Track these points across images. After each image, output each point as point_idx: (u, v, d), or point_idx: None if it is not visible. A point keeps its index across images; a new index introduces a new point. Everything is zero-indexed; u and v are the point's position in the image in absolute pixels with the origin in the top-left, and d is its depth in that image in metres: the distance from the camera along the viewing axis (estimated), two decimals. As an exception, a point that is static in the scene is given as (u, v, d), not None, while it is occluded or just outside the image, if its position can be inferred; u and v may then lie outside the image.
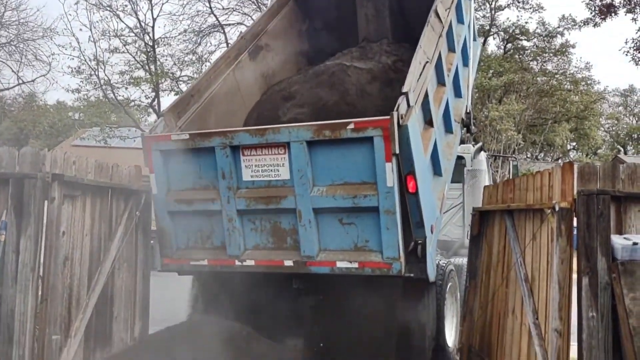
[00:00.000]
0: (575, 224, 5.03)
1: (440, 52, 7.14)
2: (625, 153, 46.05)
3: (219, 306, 6.85)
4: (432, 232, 6.64)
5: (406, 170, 5.89)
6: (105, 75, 23.40)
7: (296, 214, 6.20)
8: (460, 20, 8.64)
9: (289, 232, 6.41)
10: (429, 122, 6.64)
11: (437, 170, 6.82)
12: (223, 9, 26.43)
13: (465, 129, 8.68)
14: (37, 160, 5.13)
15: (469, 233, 7.81)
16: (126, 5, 23.47)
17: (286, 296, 6.51)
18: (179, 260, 6.79)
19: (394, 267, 6.01)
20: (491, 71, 29.74)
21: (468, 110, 8.63)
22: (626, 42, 21.51)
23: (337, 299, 6.56)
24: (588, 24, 23.35)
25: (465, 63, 8.88)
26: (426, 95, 6.49)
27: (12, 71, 24.95)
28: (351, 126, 5.76)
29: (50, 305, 5.12)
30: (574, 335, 4.96)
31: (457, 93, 8.27)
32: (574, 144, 40.26)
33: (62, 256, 5.27)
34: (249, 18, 25.16)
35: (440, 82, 7.33)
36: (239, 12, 26.65)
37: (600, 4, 21.16)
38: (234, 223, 6.46)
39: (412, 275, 6.16)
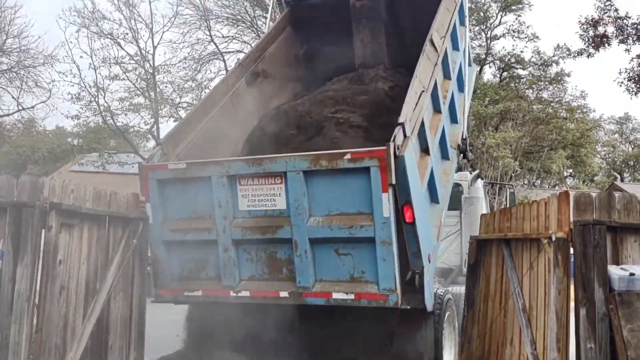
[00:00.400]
0: (572, 252, 5.06)
1: (436, 80, 7.21)
2: (622, 180, 46.22)
3: (213, 334, 6.78)
4: (429, 262, 6.62)
5: (403, 201, 5.89)
6: (105, 101, 23.52)
7: (292, 244, 6.18)
8: (455, 47, 8.75)
9: (284, 262, 6.38)
10: (425, 150, 6.67)
11: (434, 197, 6.84)
12: (223, 37, 26.70)
13: (461, 155, 8.71)
14: (36, 189, 5.14)
15: (466, 261, 7.80)
16: (127, 34, 23.71)
17: (281, 325, 6.45)
18: (174, 290, 6.74)
19: (391, 299, 5.98)
20: (487, 99, 30.01)
21: (464, 136, 8.67)
22: (620, 73, 21.75)
23: (334, 327, 6.52)
24: (582, 55, 23.69)
25: (461, 89, 8.95)
26: (422, 124, 6.54)
27: (13, 97, 25.09)
28: (348, 156, 5.78)
29: (45, 335, 5.07)
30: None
31: (453, 119, 8.32)
32: (571, 170, 40.44)
33: (59, 285, 5.24)
34: (248, 45, 25.43)
35: (437, 109, 7.38)
36: (238, 40, 26.98)
37: (593, 34, 21.46)
38: (230, 253, 6.43)
39: (408, 307, 6.12)
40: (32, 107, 25.89)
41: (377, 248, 5.91)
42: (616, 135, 51.47)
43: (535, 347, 5.39)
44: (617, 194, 5.15)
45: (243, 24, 26.39)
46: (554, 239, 5.04)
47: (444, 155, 7.66)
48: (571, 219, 5.08)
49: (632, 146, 51.62)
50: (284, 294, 6.34)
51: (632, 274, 4.75)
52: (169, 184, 6.51)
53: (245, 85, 8.29)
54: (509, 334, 6.05)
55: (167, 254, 6.73)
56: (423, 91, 6.66)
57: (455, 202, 10.42)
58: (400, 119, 5.95)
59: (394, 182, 5.68)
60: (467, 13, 10.00)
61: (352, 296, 6.10)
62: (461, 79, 8.96)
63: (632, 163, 50.06)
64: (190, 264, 6.77)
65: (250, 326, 6.51)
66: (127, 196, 6.46)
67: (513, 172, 26.02)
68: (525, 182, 33.08)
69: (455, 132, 8.29)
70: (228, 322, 6.58)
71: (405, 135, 5.91)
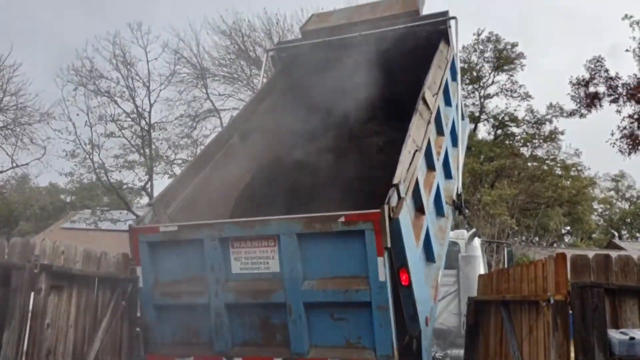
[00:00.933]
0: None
1: (429, 138, 7.22)
2: (620, 237, 46.10)
3: None
4: (427, 325, 6.48)
5: (398, 264, 5.81)
6: (100, 158, 23.61)
7: (286, 309, 6.05)
8: (447, 103, 8.83)
9: (278, 327, 6.23)
10: (420, 209, 6.64)
11: (430, 257, 6.76)
12: (219, 94, 27.08)
13: (457, 211, 8.66)
14: (27, 250, 5.06)
15: (465, 322, 7.67)
16: (124, 92, 24.07)
17: None
18: (164, 356, 6.55)
19: None
20: (482, 156, 30.28)
21: (459, 192, 8.64)
22: (612, 134, 22.09)
23: None
24: (574, 115, 24.13)
25: (455, 144, 8.97)
26: (417, 183, 6.53)
27: (7, 154, 25.17)
28: (342, 219, 5.72)
29: (30, 403, 4.90)
30: None
31: (448, 175, 8.29)
32: (568, 228, 40.38)
33: (45, 349, 5.09)
34: (244, 102, 25.84)
35: (430, 167, 7.38)
36: (234, 97, 27.34)
37: (584, 94, 21.93)
38: (222, 318, 6.28)
39: None
40: (27, 164, 25.93)
41: (373, 313, 5.78)
42: (612, 193, 51.69)
43: (538, 413, 5.23)
44: (614, 256, 5.11)
45: (239, 82, 26.84)
46: (552, 301, 4.97)
47: (439, 213, 7.63)
48: (569, 281, 5.03)
49: (629, 203, 51.80)
50: None
51: (632, 338, 4.66)
52: (160, 247, 6.40)
53: (238, 141, 8.30)
54: (510, 400, 5.87)
55: (158, 318, 6.57)
56: (417, 150, 6.69)
57: (453, 261, 10.33)
58: (395, 180, 5.93)
59: (389, 245, 5.59)
60: (458, 69, 10.16)
61: None
62: (454, 133, 9.00)
63: (629, 220, 50.08)
64: (181, 329, 6.59)
65: None
66: (117, 256, 6.39)
67: (510, 230, 25.96)
68: (523, 240, 32.96)
69: (449, 187, 8.28)
70: None
71: (399, 197, 5.87)
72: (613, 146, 22.08)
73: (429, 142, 7.18)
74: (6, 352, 4.76)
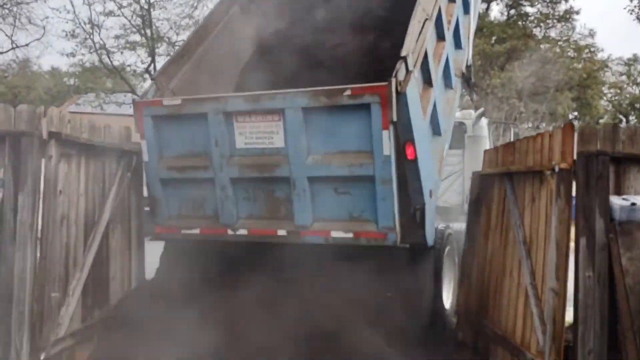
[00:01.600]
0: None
1: (440, 6, 6.90)
2: (627, 122, 45.80)
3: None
4: (430, 197, 6.60)
5: (405, 138, 5.80)
6: (101, 39, 23.04)
7: (290, 183, 6.14)
8: None
9: (282, 201, 6.35)
10: (428, 81, 6.50)
11: (436, 130, 6.74)
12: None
13: (465, 83, 8.50)
14: (34, 118, 5.08)
15: (468, 198, 7.80)
16: (122, -34, 22.96)
17: (280, 261, 6.45)
18: (171, 229, 6.75)
19: (390, 238, 5.98)
20: (494, 37, 29.35)
21: (469, 63, 8.41)
22: (631, 0, 21.06)
23: (332, 261, 6.55)
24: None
25: (466, 10, 8.54)
26: (426, 54, 6.35)
27: (6, 35, 24.57)
28: (348, 92, 5.64)
29: (49, 264, 5.13)
30: (569, 297, 4.99)
31: (458, 44, 8.00)
32: (576, 113, 40.01)
33: (60, 215, 5.26)
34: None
35: (440, 37, 7.12)
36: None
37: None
38: (227, 192, 6.39)
39: (407, 246, 6.14)
40: (27, 44, 25.38)
41: (376, 187, 5.86)
42: (623, 77, 50.62)
43: (534, 277, 5.44)
44: (622, 126, 5.07)
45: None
46: (557, 170, 5.01)
47: (448, 85, 7.48)
48: (575, 151, 5.04)
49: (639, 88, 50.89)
50: (282, 232, 6.33)
51: (633, 204, 4.74)
52: (164, 121, 6.41)
53: (239, 11, 7.99)
54: (509, 266, 6.10)
55: (164, 192, 6.70)
56: (427, 19, 6.44)
57: (459, 141, 10.34)
58: (403, 52, 5.77)
59: (395, 119, 5.56)
60: None
61: (350, 235, 6.09)
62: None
63: (638, 105, 49.47)
64: (187, 203, 6.74)
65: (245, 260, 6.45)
66: (119, 129, 6.41)
67: (518, 114, 25.79)
68: (530, 125, 32.81)
69: (459, 58, 8.05)
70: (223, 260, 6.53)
71: (407, 70, 5.75)
72: (631, 13, 21.09)
73: (439, 11, 6.88)
74: (22, 217, 4.91)
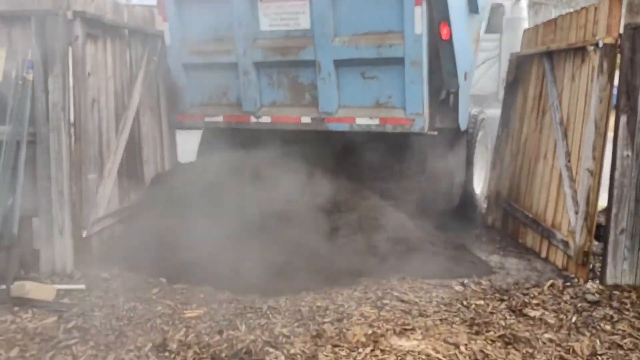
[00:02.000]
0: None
1: None
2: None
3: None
4: (465, 80, 6.40)
5: (440, 17, 5.53)
6: None
7: (315, 67, 5.98)
8: None
9: (307, 87, 6.22)
10: None
11: (473, 7, 6.39)
12: None
13: None
14: (57, -4, 4.95)
15: (504, 82, 7.55)
16: None
17: (314, 141, 6.43)
18: (193, 116, 6.74)
19: (417, 124, 5.86)
20: None
21: None
22: None
23: (364, 143, 6.50)
24: None
25: None
26: None
27: None
28: None
29: (84, 146, 5.21)
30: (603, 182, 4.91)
31: None
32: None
33: (90, 97, 5.27)
34: None
35: None
36: None
37: None
38: (250, 77, 6.28)
39: (435, 133, 6.02)
40: None
41: (405, 69, 5.67)
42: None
43: (570, 159, 5.34)
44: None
45: None
46: (600, 45, 4.74)
47: None
48: (622, 24, 4.74)
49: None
50: (306, 119, 6.26)
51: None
52: (187, 2, 6.23)
53: None
54: (543, 149, 5.98)
55: (186, 78, 6.62)
56: None
57: (496, 25, 9.85)
58: None
59: None
60: None
61: (376, 121, 5.99)
62: None
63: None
64: (210, 89, 6.67)
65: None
66: (142, 10, 6.25)
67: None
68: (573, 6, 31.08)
69: None
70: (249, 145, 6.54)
71: None
72: None
73: None
74: (54, 98, 4.94)
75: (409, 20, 5.44)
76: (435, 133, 6.07)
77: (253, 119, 6.44)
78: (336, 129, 6.18)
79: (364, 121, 6.02)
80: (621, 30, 4.72)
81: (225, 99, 6.63)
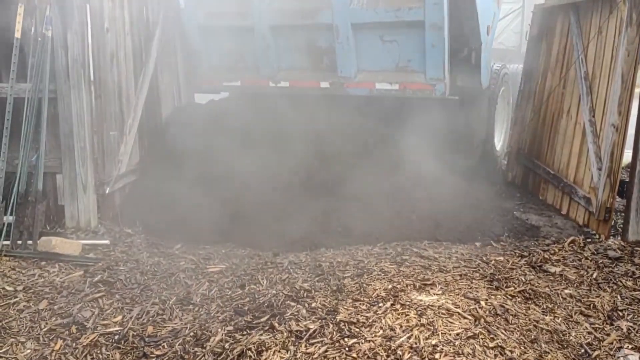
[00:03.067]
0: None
1: None
2: None
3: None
4: (487, 35, 6.26)
5: None
6: None
7: (333, 31, 5.86)
8: None
9: (325, 51, 6.12)
10: None
11: None
12: None
13: None
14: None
15: (527, 35, 7.36)
16: None
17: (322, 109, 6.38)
18: (211, 81, 6.70)
19: (438, 89, 5.77)
20: None
21: None
22: None
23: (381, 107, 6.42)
24: None
25: None
26: None
27: None
28: None
29: (104, 103, 5.22)
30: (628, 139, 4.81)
31: None
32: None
33: (109, 53, 5.25)
34: None
35: None
36: None
37: None
38: (267, 41, 6.18)
39: (456, 98, 5.92)
40: None
41: (426, 33, 5.54)
42: None
43: (594, 114, 5.23)
44: None
45: None
46: (630, -5, 4.59)
47: None
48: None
49: None
50: (324, 84, 6.19)
51: None
52: None
53: None
54: (567, 104, 5.87)
55: (203, 42, 6.55)
56: None
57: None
58: None
59: None
60: None
61: (396, 86, 5.91)
62: None
63: None
64: (227, 53, 6.60)
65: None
66: None
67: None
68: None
69: None
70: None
71: None
72: None
73: None
74: (73, 54, 4.92)
75: None
76: (457, 98, 5.99)
77: (271, 84, 6.39)
78: (356, 94, 6.13)
79: (384, 86, 5.95)
80: (652, -20, 4.55)
81: (242, 63, 6.57)
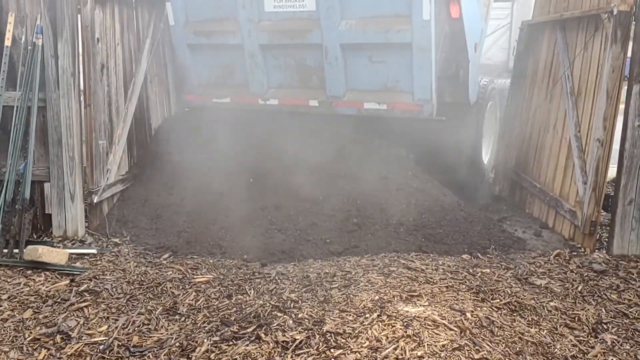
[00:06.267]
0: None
1: None
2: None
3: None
4: (475, 51, 6.34)
5: None
6: None
7: (322, 50, 5.91)
8: None
9: (314, 70, 6.16)
10: None
11: None
12: None
13: None
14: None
15: (514, 50, 7.46)
16: None
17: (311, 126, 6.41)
18: (201, 96, 6.72)
19: (425, 109, 5.83)
20: None
21: None
22: None
23: (367, 124, 6.44)
24: None
25: None
26: None
27: None
28: None
29: (94, 112, 5.22)
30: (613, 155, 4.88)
31: None
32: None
33: (99, 63, 5.26)
34: None
35: None
36: None
37: None
38: (256, 59, 6.22)
39: (443, 118, 5.98)
40: None
41: (413, 54, 5.60)
42: None
43: (580, 129, 5.31)
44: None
45: None
46: (615, 12, 4.67)
47: None
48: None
49: None
50: (313, 102, 6.23)
51: (696, 49, 4.44)
52: None
53: None
54: (553, 119, 5.94)
55: (193, 59, 6.59)
56: None
57: (508, -8, 9.72)
58: None
59: None
60: None
61: (384, 106, 5.96)
62: None
63: None
64: (217, 70, 6.64)
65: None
66: None
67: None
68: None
69: None
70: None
71: None
72: None
73: None
74: (63, 63, 4.93)
75: (417, 6, 5.35)
76: (444, 118, 6.05)
77: (261, 101, 6.43)
78: (344, 113, 6.17)
79: (372, 106, 6.01)
80: (637, -2, 4.64)
81: (232, 80, 6.61)
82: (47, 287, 4.13)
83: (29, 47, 4.88)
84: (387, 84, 5.93)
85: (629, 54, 4.75)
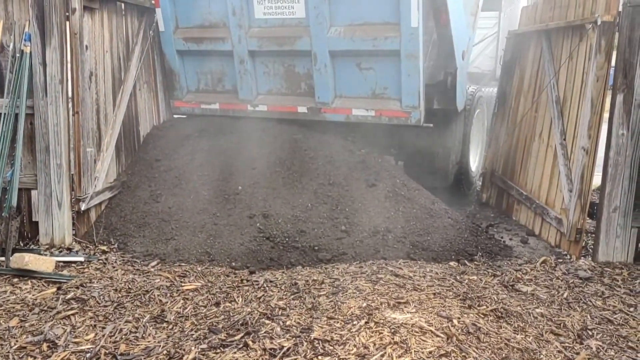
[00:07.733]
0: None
1: None
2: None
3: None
4: (463, 59, 6.40)
5: (436, 4, 5.53)
6: None
7: (311, 57, 5.96)
8: None
9: (303, 76, 6.21)
10: None
11: None
12: None
13: None
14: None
15: (501, 59, 7.54)
16: None
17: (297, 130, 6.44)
18: (190, 103, 6.75)
19: (413, 116, 5.87)
20: None
21: None
22: None
23: (356, 128, 6.48)
24: None
25: None
26: None
27: None
28: None
29: (82, 120, 5.21)
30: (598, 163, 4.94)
31: None
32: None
33: (88, 70, 5.26)
34: None
35: None
36: None
37: None
38: (246, 65, 6.26)
39: (430, 125, 6.03)
40: None
41: (402, 62, 5.65)
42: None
43: (565, 137, 5.37)
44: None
45: None
46: (599, 23, 4.75)
47: None
48: (621, 2, 4.75)
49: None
50: (302, 109, 6.27)
51: (678, 59, 4.52)
52: None
53: None
54: (539, 127, 6.01)
55: (182, 65, 6.62)
56: None
57: (495, 2, 9.81)
58: None
59: None
60: None
61: (372, 113, 6.00)
62: None
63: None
64: (206, 77, 6.67)
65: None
66: None
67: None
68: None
69: None
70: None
71: None
72: None
73: None
74: (52, 71, 4.92)
75: (406, 14, 5.39)
76: (432, 125, 6.09)
77: (250, 108, 6.45)
78: (333, 119, 6.20)
79: (361, 112, 6.04)
80: (620, 8, 4.72)
81: (221, 86, 6.63)
82: (33, 295, 4.10)
83: (17, 55, 4.87)
84: (375, 90, 5.97)
85: (613, 63, 4.83)
